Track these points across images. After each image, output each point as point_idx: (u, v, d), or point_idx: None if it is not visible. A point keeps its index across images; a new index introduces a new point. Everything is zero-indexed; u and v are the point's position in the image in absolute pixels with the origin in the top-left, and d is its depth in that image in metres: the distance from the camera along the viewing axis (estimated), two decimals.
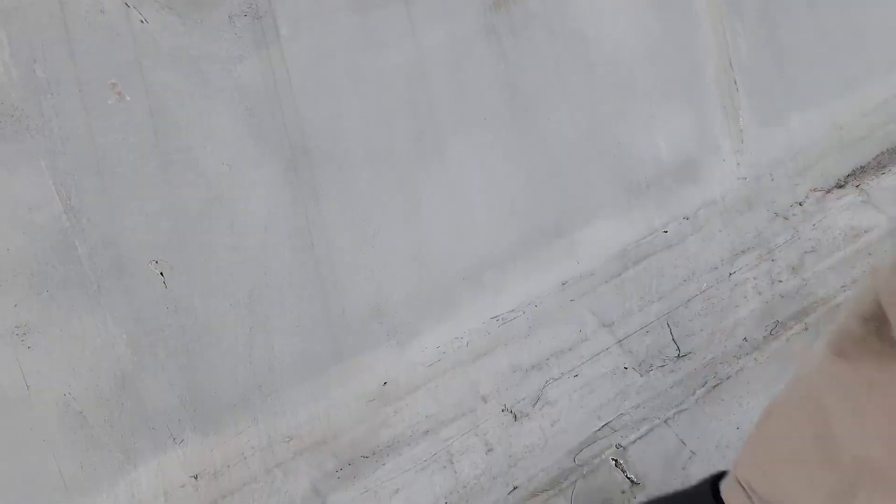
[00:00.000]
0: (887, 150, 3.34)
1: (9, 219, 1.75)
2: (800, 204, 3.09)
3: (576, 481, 2.33)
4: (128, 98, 1.86)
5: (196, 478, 1.88)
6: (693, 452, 2.39)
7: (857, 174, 3.24)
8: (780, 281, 2.87)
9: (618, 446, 2.44)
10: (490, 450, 2.19)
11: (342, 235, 2.10)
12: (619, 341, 2.54)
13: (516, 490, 2.20)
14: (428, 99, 2.25)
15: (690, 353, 2.65)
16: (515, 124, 2.41)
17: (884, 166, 3.30)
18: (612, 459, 2.45)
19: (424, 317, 2.20)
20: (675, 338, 2.66)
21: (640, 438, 2.49)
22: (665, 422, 2.50)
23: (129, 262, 1.86)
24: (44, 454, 1.76)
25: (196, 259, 1.92)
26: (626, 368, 2.54)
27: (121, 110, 1.86)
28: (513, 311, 2.35)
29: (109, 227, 1.84)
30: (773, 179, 3.01)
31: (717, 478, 1.37)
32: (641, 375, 2.58)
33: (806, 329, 2.75)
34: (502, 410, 2.25)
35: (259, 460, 1.94)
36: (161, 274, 1.89)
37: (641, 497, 2.34)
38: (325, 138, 2.08)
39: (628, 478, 2.43)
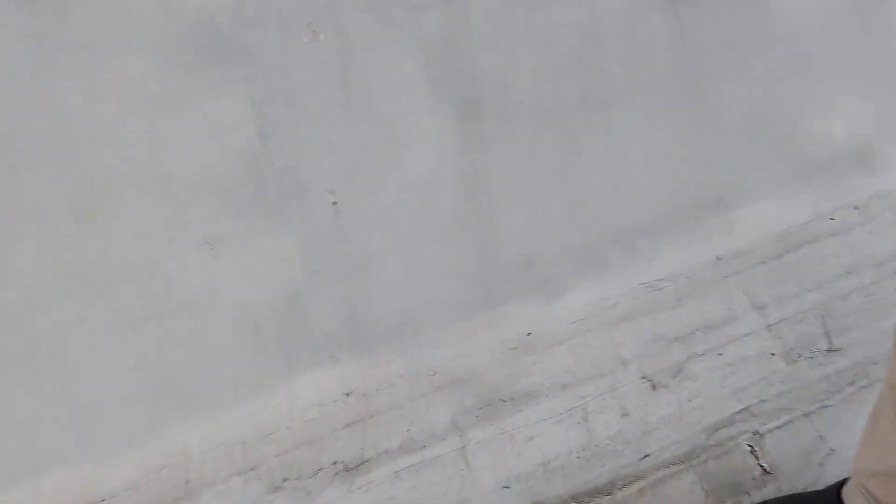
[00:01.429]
0: None
1: (209, 138, 1.88)
2: None
3: (707, 460, 2.24)
4: (321, 37, 1.94)
5: (348, 395, 1.97)
6: (832, 450, 2.23)
7: None
8: None
9: (755, 433, 2.32)
10: (625, 414, 2.14)
11: (503, 186, 2.11)
12: (769, 326, 2.40)
13: (647, 458, 2.14)
14: (598, 60, 2.20)
15: (842, 348, 2.47)
16: (684, 94, 2.32)
17: None
18: (748, 445, 2.33)
19: (574, 274, 2.17)
20: (828, 330, 2.49)
21: (778, 428, 2.36)
22: (807, 415, 2.35)
23: (308, 189, 1.96)
24: (219, 353, 1.90)
25: (367, 193, 1.99)
26: (772, 355, 2.40)
27: (314, 48, 1.94)
28: (662, 279, 2.27)
29: (294, 155, 1.94)
30: None
31: (844, 483, 1.29)
32: (788, 364, 2.44)
33: None
34: (641, 378, 2.19)
35: (405, 388, 2.00)
36: (334, 203, 1.97)
37: (772, 489, 2.22)
38: (496, 91, 2.09)
39: (761, 465, 2.31)
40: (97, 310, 1.84)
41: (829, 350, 2.43)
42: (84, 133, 1.83)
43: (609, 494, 2.06)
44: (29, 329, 1.81)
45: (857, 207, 2.56)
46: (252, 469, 1.89)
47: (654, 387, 2.19)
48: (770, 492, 2.14)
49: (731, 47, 2.36)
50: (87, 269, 1.84)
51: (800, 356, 2.42)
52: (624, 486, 2.04)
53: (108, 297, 1.84)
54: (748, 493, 2.13)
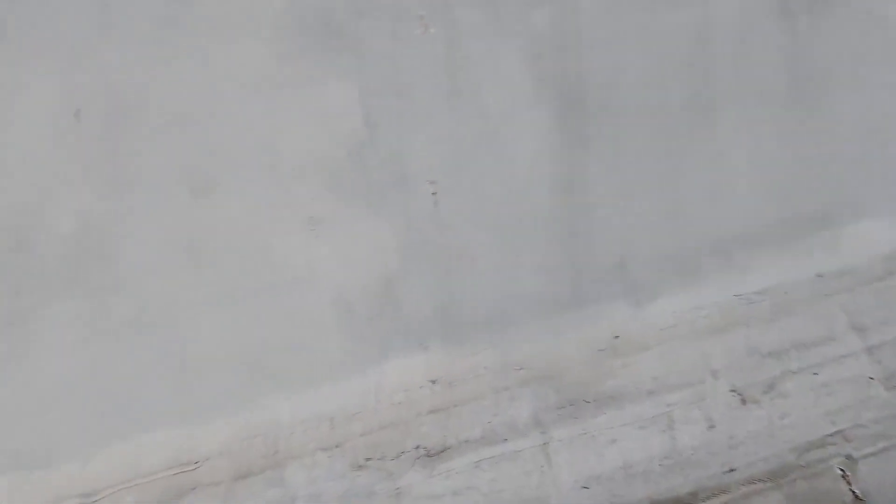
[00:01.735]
0: None
1: (319, 123, 1.94)
2: None
3: (796, 480, 2.16)
4: (432, 30, 1.97)
5: (434, 382, 1.99)
6: None
7: None
8: None
9: (848, 457, 2.22)
10: (712, 426, 2.09)
11: (601, 186, 2.09)
12: (870, 349, 2.29)
13: (733, 472, 2.08)
14: (707, 65, 2.16)
15: None
16: (795, 105, 2.24)
17: None
18: (839, 469, 2.23)
19: (666, 280, 2.13)
20: None
21: (873, 454, 2.25)
22: None
23: (409, 178, 1.99)
24: (314, 331, 1.95)
25: (466, 185, 2.01)
26: (871, 379, 2.29)
27: (424, 41, 1.97)
28: (759, 292, 2.20)
29: (398, 144, 1.98)
30: None
31: None
32: (887, 390, 2.32)
33: None
34: (731, 391, 2.13)
35: (490, 380, 2.01)
36: (434, 194, 2.00)
37: None
38: (601, 90, 2.07)
39: (853, 491, 2.21)
40: (204, 280, 1.92)
41: None
42: (204, 111, 1.91)
43: None
44: (140, 293, 1.91)
45: None
46: (337, 446, 1.94)
47: (743, 401, 2.13)
48: None
49: (848, 58, 2.27)
50: (196, 241, 1.92)
51: None
52: (707, 498, 2.00)
53: (214, 268, 1.92)
54: None
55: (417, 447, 1.95)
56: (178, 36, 1.90)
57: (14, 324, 1.87)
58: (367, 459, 1.93)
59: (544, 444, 1.98)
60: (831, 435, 2.15)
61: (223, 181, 1.95)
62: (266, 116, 1.93)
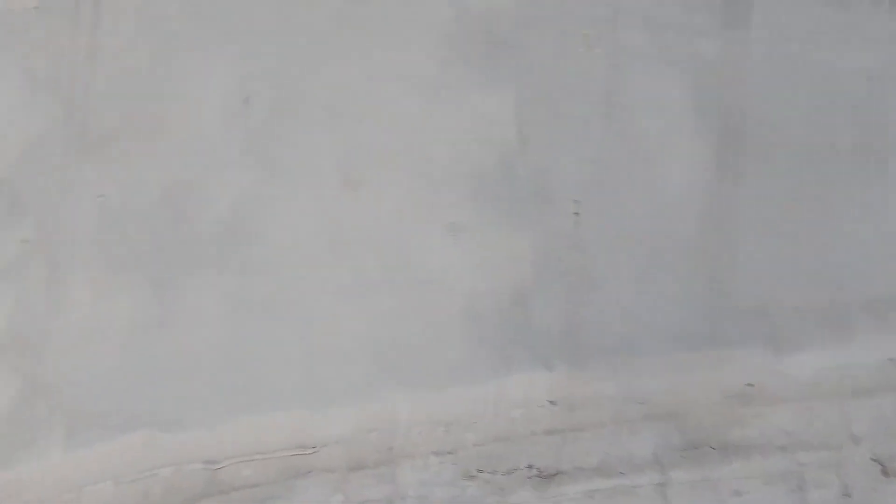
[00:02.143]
0: None
1: (471, 130, 1.95)
2: None
3: None
4: (595, 50, 1.95)
5: (553, 403, 1.94)
6: None
7: None
8: None
9: None
10: (847, 495, 1.93)
11: (751, 224, 1.99)
12: None
13: None
14: (882, 111, 2.02)
15: None
16: None
17: None
18: None
19: (812, 332, 2.00)
20: None
21: None
22: None
23: (554, 194, 1.97)
24: (441, 335, 1.95)
25: (610, 208, 1.96)
26: None
27: (586, 59, 1.96)
28: None
29: (547, 159, 1.96)
30: None
31: None
32: None
33: None
34: (872, 459, 1.97)
35: (611, 410, 1.94)
36: (576, 213, 1.96)
37: None
38: (764, 127, 1.98)
39: None
40: (342, 271, 1.97)
41: None
42: (364, 108, 1.97)
43: None
44: (282, 275, 1.97)
45: None
46: (450, 452, 1.92)
47: (885, 472, 1.95)
48: None
49: None
50: (340, 233, 1.97)
51: None
52: None
53: (354, 261, 1.96)
54: None
55: (530, 466, 1.90)
56: (349, 34, 1.97)
57: (165, 290, 1.97)
58: (479, 471, 1.90)
59: (662, 484, 1.88)
60: None
61: (373, 178, 1.99)
62: (422, 119, 1.97)
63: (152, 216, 1.98)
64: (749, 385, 2.01)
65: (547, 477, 1.89)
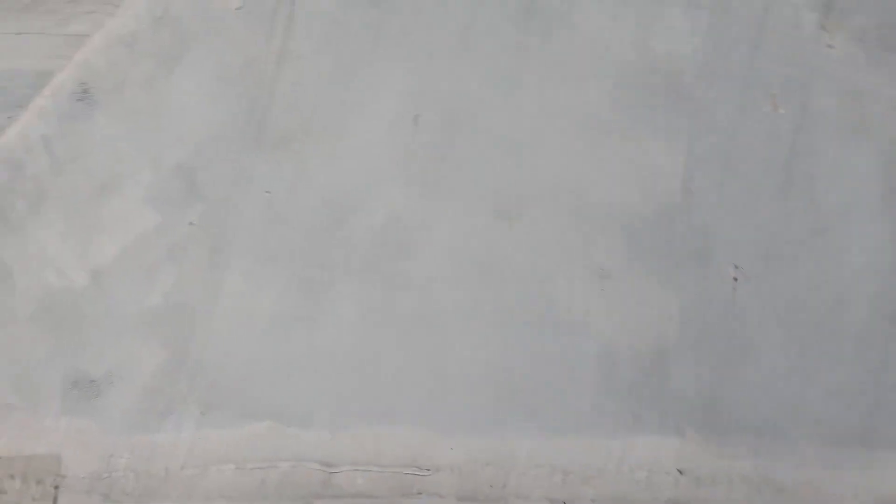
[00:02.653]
0: None
1: (635, 177, 1.89)
2: None
3: None
4: (781, 111, 1.85)
5: (681, 473, 1.83)
6: None
7: None
8: None
9: None
10: None
11: None
12: None
13: None
14: None
15: None
16: None
17: None
18: None
19: None
20: None
21: None
22: None
23: (713, 255, 1.86)
24: (572, 380, 1.88)
25: (776, 279, 1.84)
26: None
27: (770, 120, 1.85)
28: None
29: (711, 217, 1.86)
30: None
31: None
32: None
33: None
34: None
35: (745, 492, 1.80)
36: (735, 279, 1.85)
37: None
38: None
39: None
40: (483, 300, 1.94)
41: None
42: (528, 140, 1.95)
43: None
44: (422, 295, 1.97)
45: None
46: (564, 502, 1.85)
47: None
48: None
49: None
50: (487, 262, 1.95)
51: None
52: None
53: (496, 291, 1.93)
54: None
55: None
56: (526, 64, 1.96)
57: (312, 290, 2.02)
58: None
59: None
60: None
61: (528, 211, 1.96)
62: (586, 159, 1.92)
63: (311, 217, 2.05)
64: None
65: None
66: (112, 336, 2.04)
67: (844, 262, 1.81)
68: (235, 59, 2.04)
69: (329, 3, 2.00)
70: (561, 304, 1.91)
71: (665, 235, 1.88)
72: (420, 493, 1.89)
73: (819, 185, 1.81)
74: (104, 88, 2.08)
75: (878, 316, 1.80)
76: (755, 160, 1.85)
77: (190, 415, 2.00)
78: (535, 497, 1.86)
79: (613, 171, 1.91)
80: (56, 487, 2.03)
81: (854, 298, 1.81)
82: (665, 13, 1.90)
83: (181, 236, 2.08)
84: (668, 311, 1.88)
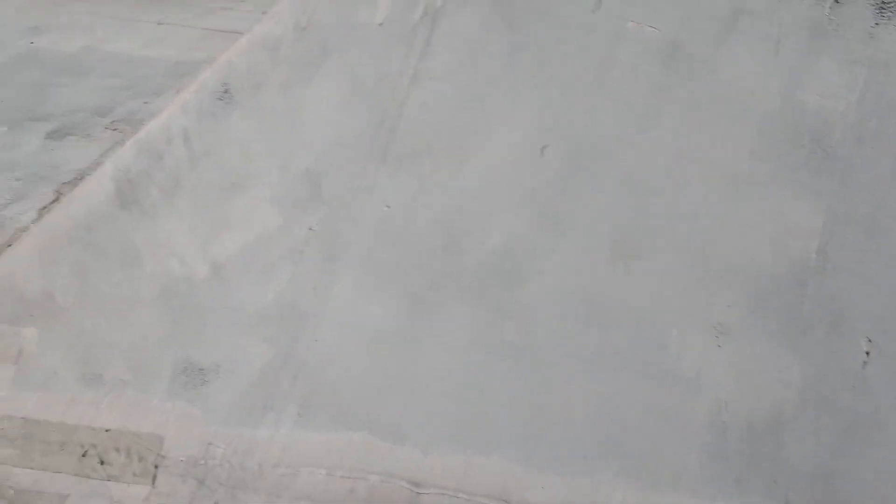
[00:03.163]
0: None
1: (768, 232, 1.80)
2: None
3: None
4: None
5: None
6: None
7: None
8: None
9: None
10: None
11: None
12: None
13: None
14: None
15: None
16: None
17: None
18: None
19: None
20: None
21: None
22: None
23: (843, 326, 1.75)
24: (678, 437, 1.81)
25: None
26: None
27: None
28: None
29: (846, 285, 1.76)
30: None
31: None
32: None
33: None
34: None
35: None
36: (867, 353, 1.74)
37: None
38: None
39: None
40: (592, 340, 1.89)
41: None
42: (657, 182, 1.89)
43: None
44: (530, 327, 1.93)
45: None
46: None
47: None
48: None
49: None
50: (600, 302, 1.90)
51: None
52: None
53: (607, 334, 1.88)
54: None
55: None
56: (664, 106, 1.90)
57: (421, 308, 2.02)
58: None
59: None
60: None
61: (648, 255, 1.90)
62: (717, 208, 1.85)
63: (426, 236, 2.05)
64: None
65: None
66: (224, 328, 2.11)
67: None
68: (371, 73, 2.07)
69: (468, 28, 2.00)
70: (673, 356, 1.84)
71: (794, 298, 1.78)
72: None
73: None
74: (244, 89, 2.15)
75: None
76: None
77: (288, 414, 2.04)
78: None
79: (745, 223, 1.82)
80: (156, 466, 2.10)
81: None
82: (820, 66, 1.80)
83: (300, 240, 2.12)
84: (788, 376, 1.78)
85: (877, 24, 1.81)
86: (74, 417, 2.16)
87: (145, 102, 3.59)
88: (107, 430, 2.14)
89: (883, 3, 1.82)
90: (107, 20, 4.21)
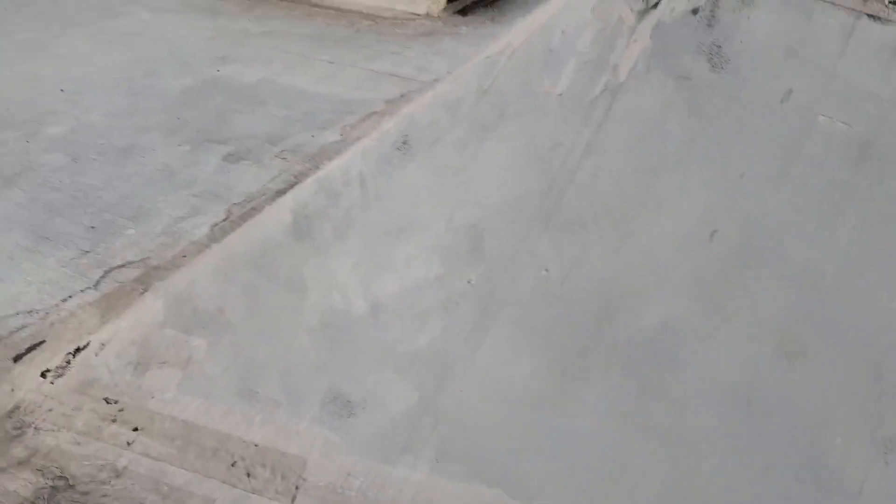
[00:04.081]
0: None
1: None
2: None
3: None
4: None
5: None
6: None
7: None
8: None
9: None
10: None
11: None
12: None
13: None
14: None
15: None
16: None
17: None
18: None
19: None
20: None
21: None
22: None
23: None
24: None
25: None
26: None
27: None
28: None
29: None
30: None
31: None
32: None
33: None
34: None
35: None
36: None
37: None
38: None
39: None
40: (743, 436, 1.83)
41: None
42: (831, 281, 1.82)
43: None
44: (679, 414, 1.90)
45: None
46: None
47: None
48: None
49: None
50: (758, 400, 1.83)
51: None
52: None
53: (760, 431, 1.81)
54: None
55: None
56: (848, 205, 1.85)
57: (568, 378, 2.02)
58: None
59: None
60: None
61: (816, 355, 1.83)
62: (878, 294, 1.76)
63: (583, 304, 2.07)
64: None
65: None
66: (374, 365, 2.20)
67: None
68: (545, 140, 2.13)
69: (649, 105, 2.02)
70: (834, 465, 1.75)
71: None
72: None
73: None
74: (422, 142, 2.26)
75: None
76: None
77: (425, 459, 2.09)
78: None
79: None
80: (297, 488, 2.20)
81: None
82: None
83: (457, 291, 2.19)
84: None
85: None
86: (228, 427, 2.30)
87: (312, 135, 3.84)
88: (256, 445, 2.27)
89: None
90: (284, 55, 4.54)
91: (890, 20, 1.83)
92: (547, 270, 2.10)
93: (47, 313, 2.80)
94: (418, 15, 4.87)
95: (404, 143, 2.26)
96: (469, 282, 2.17)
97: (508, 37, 2.17)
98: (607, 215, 2.06)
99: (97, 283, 2.96)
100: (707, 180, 1.97)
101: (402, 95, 4.05)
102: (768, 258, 1.89)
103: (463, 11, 4.91)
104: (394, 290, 2.23)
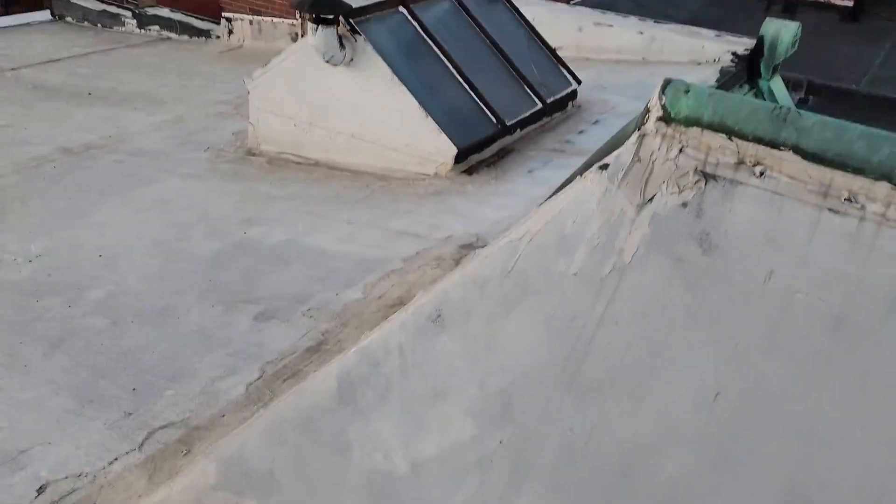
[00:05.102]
0: None
1: None
2: None
3: None
4: None
5: None
6: None
7: None
8: None
9: None
10: None
11: None
12: None
13: None
14: None
15: None
16: None
17: None
18: None
19: None
20: None
21: None
22: None
23: None
24: None
25: None
26: None
27: None
28: None
29: None
30: None
31: None
32: None
33: None
34: None
35: None
36: None
37: None
38: None
39: None
40: None
41: None
42: (826, 446, 2.09)
43: None
44: None
45: None
46: None
47: None
48: None
49: None
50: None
51: None
52: None
53: None
54: None
55: None
56: (829, 372, 2.14)
57: None
58: None
59: None
60: None
61: (818, 502, 2.07)
62: (891, 473, 2.01)
63: (603, 463, 2.31)
64: None
65: None
66: None
67: None
68: (563, 314, 2.45)
69: (651, 284, 2.36)
70: None
71: None
72: None
73: None
74: (454, 316, 2.57)
75: None
76: None
77: None
78: None
79: None
80: None
81: None
82: None
83: (490, 451, 2.43)
84: None
85: None
86: None
87: (336, 294, 4.15)
88: None
89: None
90: (306, 216, 4.95)
91: (847, 213, 2.20)
92: (572, 431, 2.35)
93: (95, 476, 2.97)
94: (428, 175, 5.35)
95: (438, 316, 2.57)
96: (501, 442, 2.41)
97: (527, 224, 2.53)
98: (622, 380, 2.34)
99: (141, 445, 3.15)
100: (707, 349, 2.27)
101: (416, 253, 4.42)
102: (766, 417, 2.16)
103: (469, 171, 5.40)
104: (432, 450, 2.46)
